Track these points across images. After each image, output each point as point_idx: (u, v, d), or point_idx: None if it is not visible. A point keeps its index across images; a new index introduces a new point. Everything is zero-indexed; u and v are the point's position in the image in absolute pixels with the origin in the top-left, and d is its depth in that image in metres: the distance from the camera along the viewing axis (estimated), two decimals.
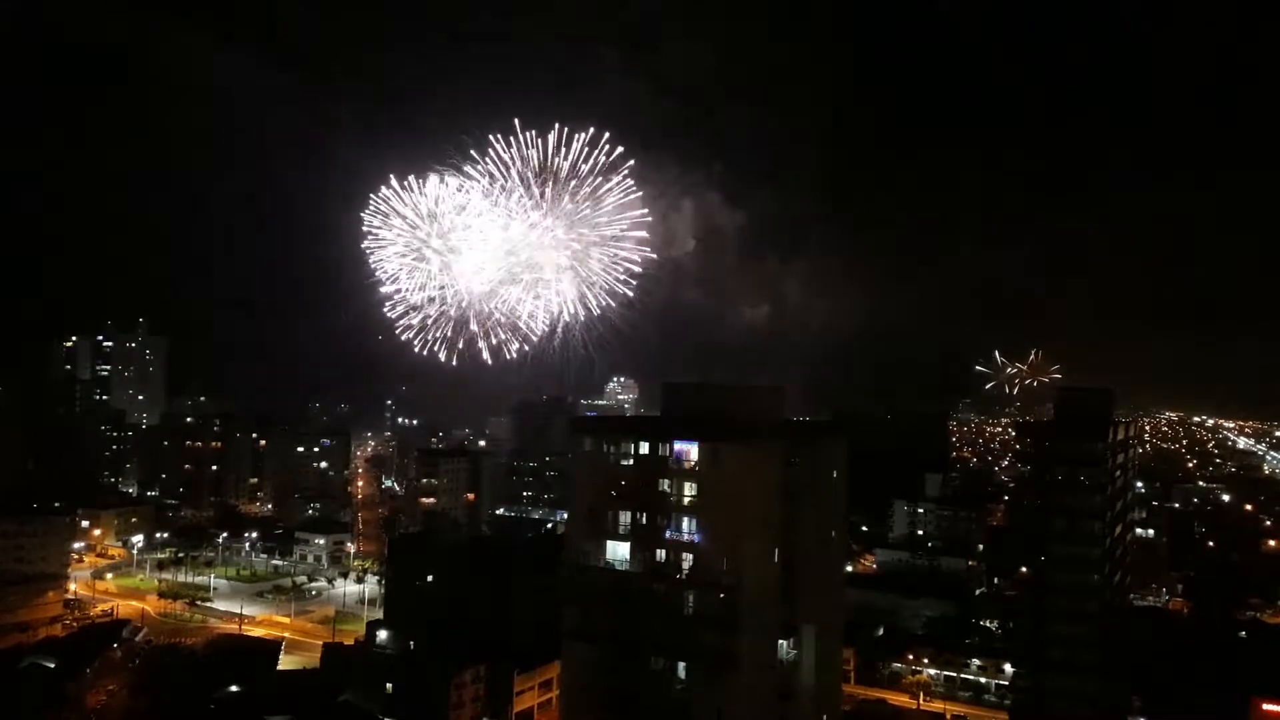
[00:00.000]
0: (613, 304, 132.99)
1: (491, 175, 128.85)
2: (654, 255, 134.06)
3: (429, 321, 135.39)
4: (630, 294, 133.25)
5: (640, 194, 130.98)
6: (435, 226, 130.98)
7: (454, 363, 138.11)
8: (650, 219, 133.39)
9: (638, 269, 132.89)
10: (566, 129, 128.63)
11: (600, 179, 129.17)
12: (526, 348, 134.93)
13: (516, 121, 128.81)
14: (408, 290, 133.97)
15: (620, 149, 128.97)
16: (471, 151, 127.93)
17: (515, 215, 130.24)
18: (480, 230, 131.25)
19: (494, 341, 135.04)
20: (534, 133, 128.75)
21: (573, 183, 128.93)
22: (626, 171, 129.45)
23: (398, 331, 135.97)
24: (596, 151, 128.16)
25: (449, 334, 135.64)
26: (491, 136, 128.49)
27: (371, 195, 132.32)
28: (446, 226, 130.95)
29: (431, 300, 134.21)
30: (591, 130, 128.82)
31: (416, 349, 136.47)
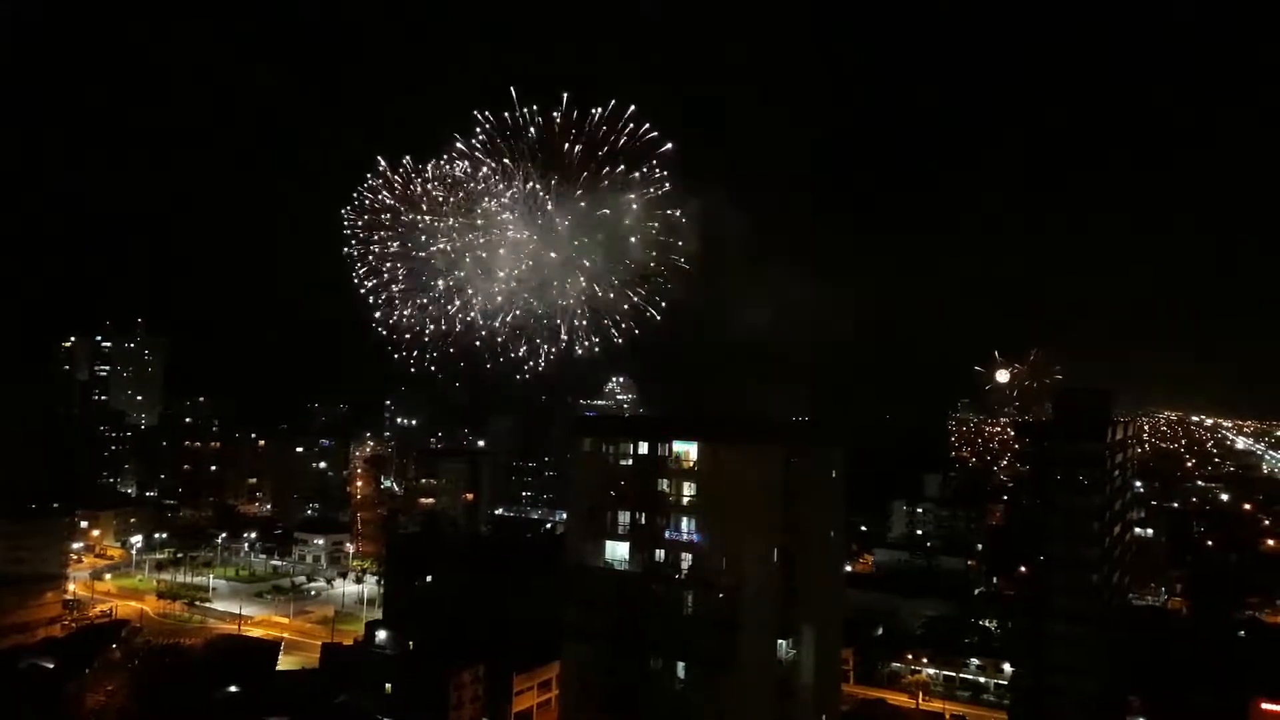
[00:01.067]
0: (636, 330, 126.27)
1: (494, 167, 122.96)
2: (686, 266, 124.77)
3: (425, 338, 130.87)
4: (656, 315, 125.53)
5: (667, 187, 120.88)
6: (434, 227, 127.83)
7: (456, 384, 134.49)
8: (688, 222, 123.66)
9: (662, 283, 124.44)
10: (576, 111, 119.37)
11: (620, 168, 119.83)
12: (539, 367, 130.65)
13: (513, 91, 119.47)
14: (400, 301, 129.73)
15: (650, 128, 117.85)
16: (469, 141, 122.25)
17: (521, 215, 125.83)
18: (482, 232, 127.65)
19: (500, 358, 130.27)
20: (535, 108, 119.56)
21: (585, 174, 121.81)
22: (655, 159, 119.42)
23: (391, 349, 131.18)
24: (617, 135, 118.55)
25: (449, 344, 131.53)
26: (483, 116, 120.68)
27: (358, 189, 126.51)
28: (445, 227, 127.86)
29: (427, 311, 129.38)
30: (613, 103, 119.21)
31: (413, 369, 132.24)
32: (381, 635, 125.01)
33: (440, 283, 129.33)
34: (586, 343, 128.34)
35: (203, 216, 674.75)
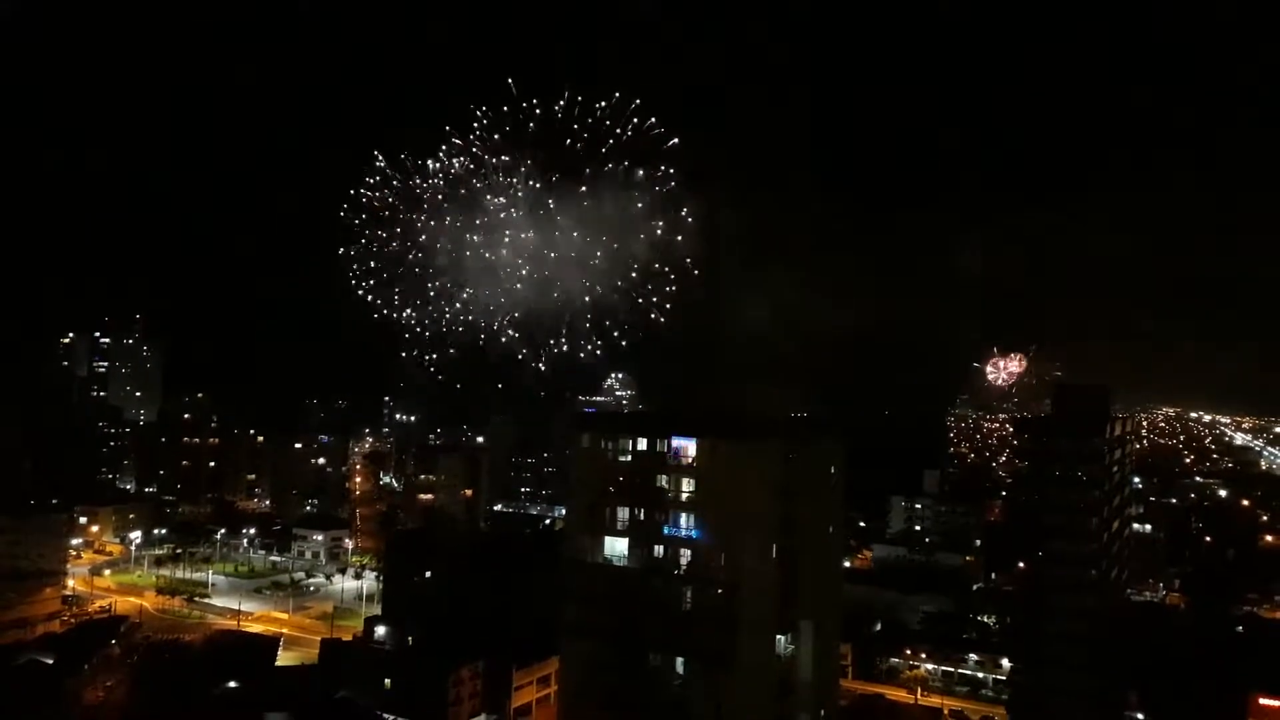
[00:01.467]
0: (638, 329, 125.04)
1: (495, 164, 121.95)
2: (695, 269, 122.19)
3: (425, 337, 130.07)
4: (660, 318, 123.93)
5: (672, 185, 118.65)
6: (434, 226, 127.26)
7: (457, 385, 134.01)
8: (691, 220, 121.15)
9: (667, 286, 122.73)
10: (580, 99, 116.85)
11: (624, 165, 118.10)
12: (540, 366, 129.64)
13: (512, 85, 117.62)
14: (400, 300, 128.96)
15: (655, 124, 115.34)
16: (470, 137, 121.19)
17: (523, 212, 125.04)
18: (483, 230, 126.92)
19: (501, 357, 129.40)
20: (536, 103, 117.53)
21: (587, 171, 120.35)
22: (658, 156, 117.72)
23: (390, 351, 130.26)
24: (621, 131, 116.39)
25: (450, 343, 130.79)
26: (483, 112, 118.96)
27: (357, 187, 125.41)
28: (445, 225, 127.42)
29: (427, 310, 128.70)
30: (616, 97, 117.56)
31: (413, 368, 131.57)
32: (381, 631, 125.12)
33: (440, 281, 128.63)
34: (589, 346, 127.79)
35: (202, 214, 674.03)
